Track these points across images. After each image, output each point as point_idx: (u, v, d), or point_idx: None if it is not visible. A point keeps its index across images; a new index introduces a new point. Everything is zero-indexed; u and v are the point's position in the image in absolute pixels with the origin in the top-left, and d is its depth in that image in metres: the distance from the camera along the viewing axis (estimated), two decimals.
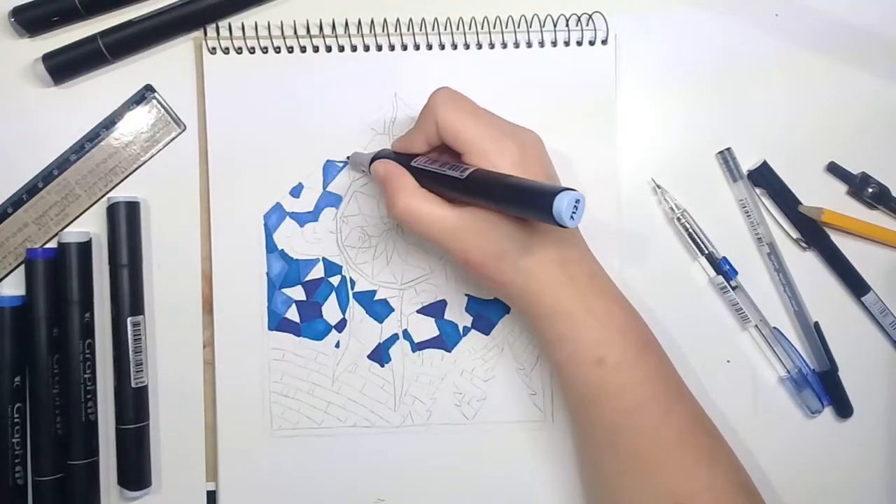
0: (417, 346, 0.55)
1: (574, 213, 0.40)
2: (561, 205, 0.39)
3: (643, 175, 0.55)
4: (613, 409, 0.46)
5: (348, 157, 0.54)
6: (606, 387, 0.46)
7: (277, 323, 0.54)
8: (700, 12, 0.56)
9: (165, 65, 0.54)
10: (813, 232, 0.55)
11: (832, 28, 0.56)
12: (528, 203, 0.42)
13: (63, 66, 0.53)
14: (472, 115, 0.47)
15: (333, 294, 0.54)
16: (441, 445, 0.55)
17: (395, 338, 0.55)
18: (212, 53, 0.54)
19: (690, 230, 0.55)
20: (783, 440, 0.55)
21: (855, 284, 0.55)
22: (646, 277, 0.55)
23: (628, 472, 0.46)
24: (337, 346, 0.54)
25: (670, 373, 0.49)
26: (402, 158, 0.50)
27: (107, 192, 0.54)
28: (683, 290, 0.56)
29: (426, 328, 0.55)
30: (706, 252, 0.55)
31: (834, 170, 0.56)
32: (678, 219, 0.55)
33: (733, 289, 0.55)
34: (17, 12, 0.53)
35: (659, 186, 0.55)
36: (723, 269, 0.55)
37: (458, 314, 0.55)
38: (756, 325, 0.55)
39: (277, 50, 0.54)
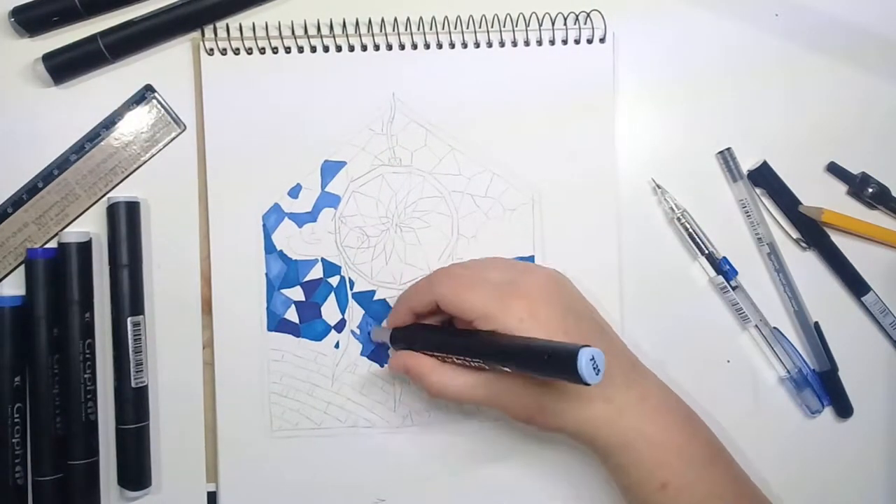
0: None
1: (595, 368, 0.39)
2: (582, 361, 0.39)
3: (643, 175, 0.55)
4: None
5: (369, 333, 0.54)
6: None
7: (277, 324, 0.54)
8: (699, 11, 0.55)
9: (164, 65, 0.54)
10: (813, 232, 0.55)
11: (832, 28, 0.56)
12: (550, 363, 0.42)
13: (63, 66, 0.53)
14: (470, 286, 0.48)
15: (332, 294, 0.54)
16: (441, 445, 0.55)
17: None
18: (209, 54, 0.54)
19: (690, 230, 0.54)
20: (783, 440, 0.55)
21: (855, 284, 0.55)
22: (646, 277, 0.55)
23: None
24: (336, 346, 0.54)
25: (735, 480, 0.49)
26: (415, 330, 0.51)
27: (107, 192, 0.54)
28: (683, 290, 0.56)
29: None
30: (706, 252, 0.55)
31: (834, 170, 0.56)
32: (678, 219, 0.54)
33: (733, 289, 0.55)
34: (17, 12, 0.53)
35: (659, 186, 0.55)
36: (723, 269, 0.55)
37: None
38: (756, 325, 0.55)
39: (275, 50, 0.54)
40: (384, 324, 0.54)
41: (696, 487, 0.47)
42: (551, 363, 0.41)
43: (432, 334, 0.50)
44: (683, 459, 0.47)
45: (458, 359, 0.48)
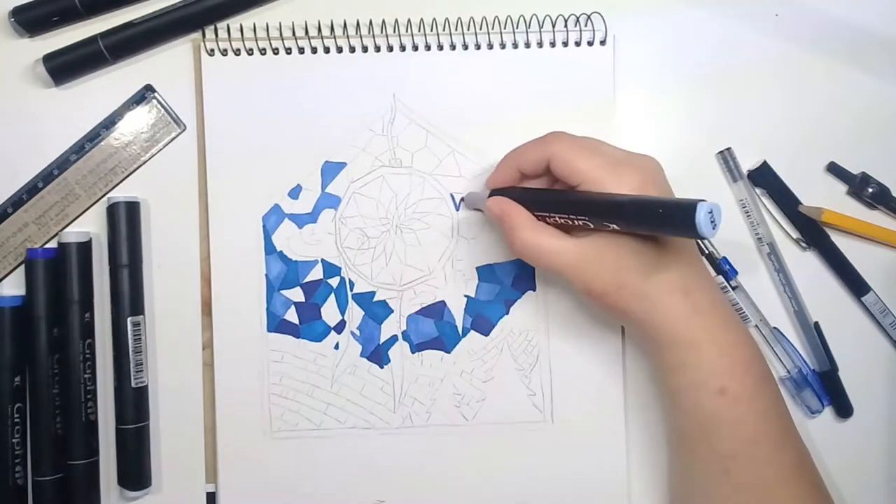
0: (417, 348, 0.55)
1: (713, 222, 0.39)
2: (700, 215, 0.39)
3: None
4: (731, 438, 0.46)
5: (462, 199, 0.54)
6: (726, 416, 0.46)
7: (276, 325, 0.54)
8: (699, 12, 0.55)
9: (165, 66, 0.54)
10: (813, 232, 0.55)
11: (832, 28, 0.56)
12: (665, 217, 0.42)
13: (63, 67, 0.53)
14: (587, 149, 0.48)
15: (332, 295, 0.54)
16: (440, 447, 0.55)
17: (394, 339, 0.55)
18: (210, 55, 0.54)
19: None
20: None
21: (855, 284, 0.55)
22: None
23: (742, 500, 0.47)
24: (336, 347, 0.54)
25: (784, 409, 0.49)
26: (516, 192, 0.50)
27: (107, 192, 0.54)
28: None
29: (425, 329, 0.55)
30: (706, 252, 0.55)
31: (834, 170, 0.56)
32: None
33: (733, 289, 0.55)
34: (17, 12, 0.53)
35: None
36: (723, 268, 0.55)
37: (457, 315, 0.55)
38: (756, 325, 0.55)
39: (276, 51, 0.54)
40: (485, 185, 0.53)
41: (756, 400, 0.47)
42: (667, 215, 0.41)
43: (536, 193, 0.49)
44: (746, 372, 0.47)
45: (560, 217, 0.47)
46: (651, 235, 0.46)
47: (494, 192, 0.51)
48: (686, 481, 0.51)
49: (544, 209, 0.48)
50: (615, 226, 0.44)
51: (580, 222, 0.46)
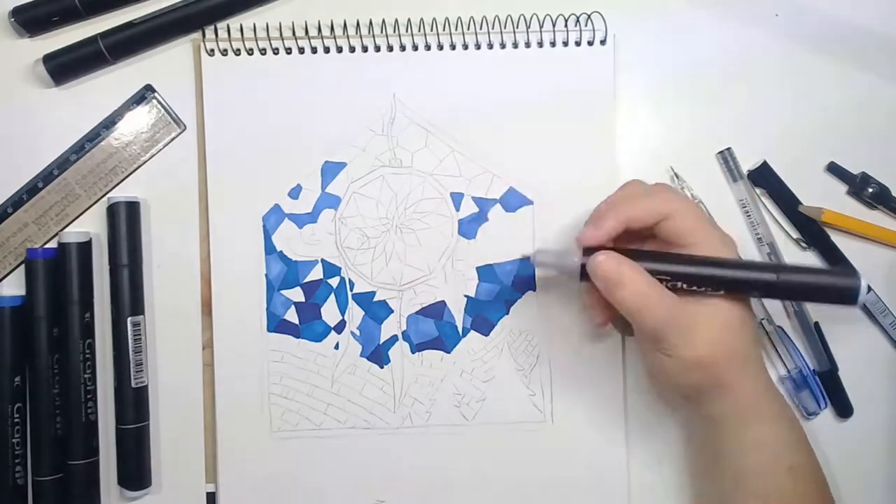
0: (417, 348, 0.55)
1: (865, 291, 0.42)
2: (861, 286, 0.41)
3: (643, 176, 0.55)
4: None
5: (531, 258, 0.50)
6: (795, 494, 0.46)
7: (276, 325, 0.54)
8: (699, 12, 0.55)
9: (165, 66, 0.54)
10: (813, 232, 0.55)
11: (832, 28, 0.56)
12: (828, 286, 0.43)
13: (64, 67, 0.53)
14: (704, 217, 0.48)
15: (332, 295, 0.54)
16: (441, 446, 0.55)
17: (394, 339, 0.55)
18: (210, 55, 0.54)
19: None
20: None
21: None
22: None
23: None
24: (336, 347, 0.54)
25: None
26: (629, 253, 0.47)
27: (107, 192, 0.54)
28: None
29: (425, 329, 0.55)
30: None
31: (834, 170, 0.56)
32: None
33: None
34: (17, 12, 0.53)
35: (677, 176, 0.55)
36: None
37: (457, 315, 0.55)
38: (760, 323, 0.55)
39: (276, 51, 0.54)
40: (577, 239, 0.48)
41: (818, 476, 0.47)
42: (837, 278, 0.43)
43: (655, 258, 0.46)
44: (807, 446, 0.47)
45: (681, 284, 0.45)
46: (745, 298, 0.46)
47: (589, 251, 0.47)
48: None
49: (665, 274, 0.46)
50: (758, 295, 0.46)
51: (714, 294, 0.46)
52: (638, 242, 0.49)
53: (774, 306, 0.55)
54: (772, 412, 0.46)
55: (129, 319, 0.53)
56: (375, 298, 0.55)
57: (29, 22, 0.53)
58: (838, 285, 0.41)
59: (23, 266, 0.53)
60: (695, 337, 0.45)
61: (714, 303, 0.46)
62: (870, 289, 0.39)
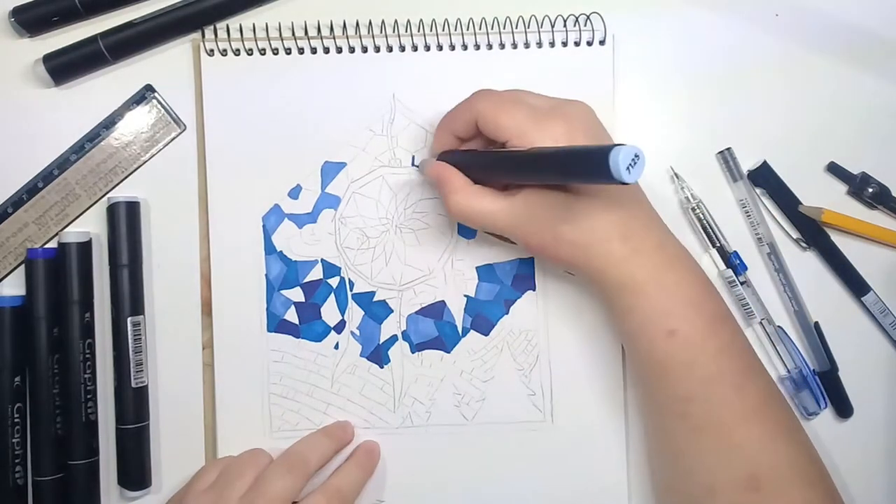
0: (416, 347, 0.55)
1: (631, 167, 0.38)
2: (617, 158, 0.38)
3: (643, 176, 0.55)
4: (685, 379, 0.46)
5: (417, 165, 0.54)
6: (678, 359, 0.46)
7: (276, 325, 0.54)
8: (699, 12, 0.55)
9: (165, 66, 0.54)
10: (813, 232, 0.55)
11: (832, 28, 0.56)
12: (582, 165, 0.41)
13: (63, 67, 0.53)
14: (511, 103, 0.48)
15: (332, 295, 0.54)
16: (440, 446, 0.55)
17: (394, 339, 0.55)
18: (209, 55, 0.54)
19: (705, 221, 0.54)
20: None
21: (855, 284, 0.55)
22: None
23: (701, 441, 0.46)
24: (336, 347, 0.54)
25: (744, 347, 0.48)
26: (454, 157, 0.50)
27: (107, 192, 0.54)
28: None
29: (425, 329, 0.55)
30: (717, 244, 0.55)
31: (834, 170, 0.56)
32: (693, 209, 0.55)
33: (741, 284, 0.55)
34: (17, 12, 0.53)
35: (677, 176, 0.55)
36: (733, 262, 0.55)
37: (457, 315, 0.55)
38: (760, 322, 0.55)
39: (275, 52, 0.54)
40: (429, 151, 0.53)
41: (707, 342, 0.46)
42: (590, 156, 0.40)
43: (468, 155, 0.50)
44: (696, 312, 0.46)
45: (488, 181, 0.48)
46: (582, 186, 0.46)
47: (442, 156, 0.52)
48: (648, 423, 0.51)
49: (477, 170, 0.49)
50: (536, 180, 0.45)
51: (505, 179, 0.47)
52: (488, 144, 0.50)
53: (774, 306, 0.55)
54: (637, 281, 0.46)
55: (129, 319, 0.53)
56: (375, 298, 0.55)
57: (29, 22, 0.53)
58: (596, 154, 0.39)
59: (23, 266, 0.53)
60: (521, 228, 0.47)
61: (534, 193, 0.46)
62: (630, 167, 0.37)
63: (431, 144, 0.53)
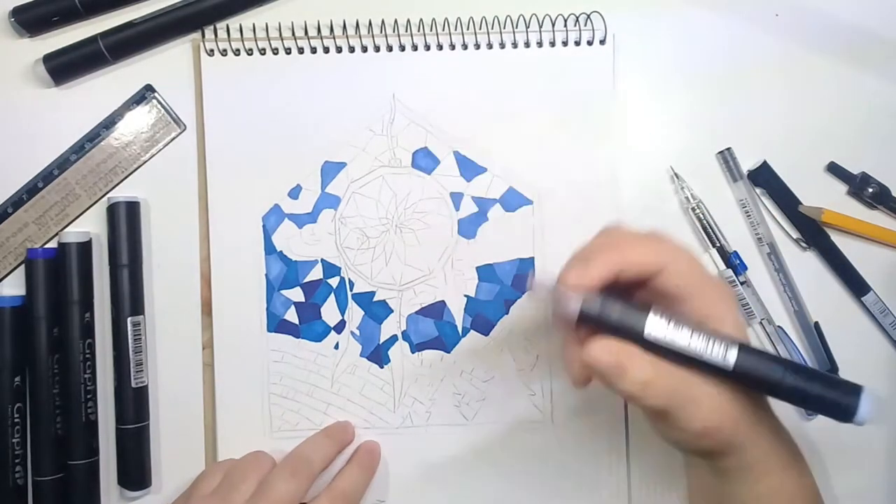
0: (416, 347, 0.55)
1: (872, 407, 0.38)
2: (866, 407, 0.38)
3: (643, 175, 0.55)
4: None
5: (530, 287, 0.50)
6: None
7: (276, 325, 0.54)
8: (699, 12, 0.55)
9: (165, 66, 0.54)
10: (813, 232, 0.55)
11: (832, 28, 0.56)
12: (825, 402, 0.40)
13: (63, 67, 0.53)
14: (706, 271, 0.43)
15: (332, 295, 0.54)
16: (440, 446, 0.55)
17: (394, 339, 0.55)
18: (209, 55, 0.54)
19: (705, 221, 0.54)
20: None
21: (855, 284, 0.55)
22: None
23: None
24: (336, 347, 0.54)
25: None
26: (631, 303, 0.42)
27: (107, 192, 0.54)
28: None
29: (425, 329, 0.55)
30: (717, 245, 0.55)
31: (834, 170, 0.56)
32: (693, 209, 0.55)
33: (741, 284, 0.55)
34: (17, 12, 0.53)
35: (677, 176, 0.55)
36: (733, 263, 0.55)
37: (457, 315, 0.55)
38: (761, 322, 0.55)
39: (275, 51, 0.54)
40: (560, 280, 0.41)
41: None
42: (837, 395, 0.39)
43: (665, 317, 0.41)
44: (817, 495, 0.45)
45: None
46: None
47: (591, 297, 0.42)
48: None
49: (661, 353, 0.41)
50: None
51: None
52: (624, 293, 0.43)
53: (775, 306, 0.55)
54: (781, 462, 0.44)
55: (129, 319, 0.53)
56: (375, 298, 0.55)
57: (29, 22, 0.53)
58: (838, 401, 0.38)
59: (23, 266, 0.53)
60: (700, 410, 0.42)
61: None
62: (877, 403, 0.37)
63: (569, 272, 0.41)
